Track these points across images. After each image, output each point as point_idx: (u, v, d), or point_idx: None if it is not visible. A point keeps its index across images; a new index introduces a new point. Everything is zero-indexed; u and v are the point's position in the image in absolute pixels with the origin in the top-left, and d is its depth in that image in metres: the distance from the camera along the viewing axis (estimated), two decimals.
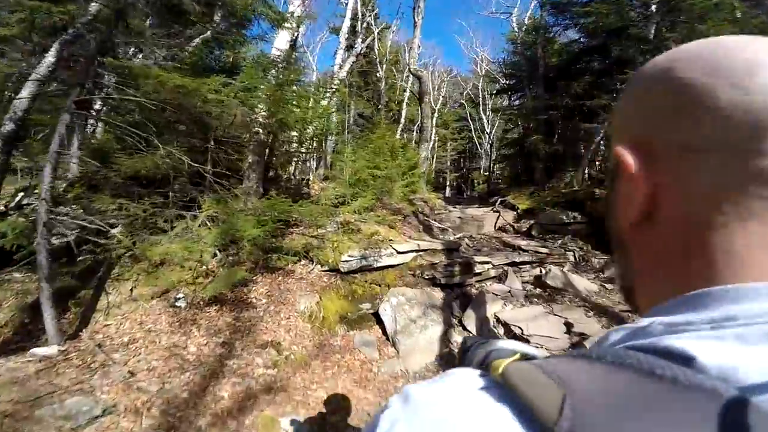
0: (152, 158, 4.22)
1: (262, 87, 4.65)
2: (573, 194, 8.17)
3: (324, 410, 3.34)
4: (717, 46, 0.26)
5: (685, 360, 0.19)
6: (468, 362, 0.46)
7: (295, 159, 7.24)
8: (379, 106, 16.97)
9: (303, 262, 5.23)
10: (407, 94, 19.38)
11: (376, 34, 17.20)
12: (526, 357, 0.38)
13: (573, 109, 10.39)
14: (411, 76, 13.74)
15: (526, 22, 15.53)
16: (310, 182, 7.57)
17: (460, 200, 15.87)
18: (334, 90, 7.82)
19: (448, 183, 29.01)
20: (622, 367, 0.20)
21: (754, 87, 0.23)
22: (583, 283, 5.86)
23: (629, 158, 0.27)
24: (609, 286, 5.88)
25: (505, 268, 6.52)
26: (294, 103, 4.83)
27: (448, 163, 29.20)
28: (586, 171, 10.15)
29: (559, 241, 7.44)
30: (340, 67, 10.10)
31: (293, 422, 3.04)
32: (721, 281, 0.23)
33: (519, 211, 9.14)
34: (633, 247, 0.29)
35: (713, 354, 0.18)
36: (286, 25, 5.70)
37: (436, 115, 22.55)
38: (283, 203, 4.56)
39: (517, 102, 14.99)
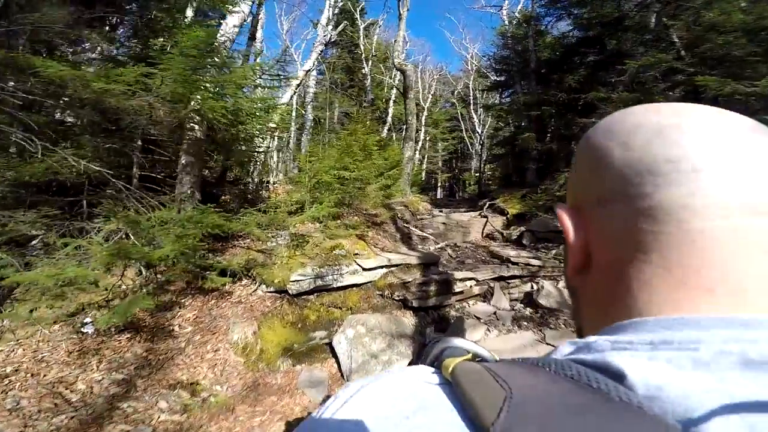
0: (42, 164, 3.34)
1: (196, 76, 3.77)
2: None
3: None
4: (621, 114, 0.31)
5: (618, 376, 0.20)
6: (425, 358, 0.45)
7: (254, 159, 6.34)
8: (364, 104, 16.11)
9: (245, 281, 4.34)
10: (394, 91, 18.56)
11: (361, 29, 16.38)
12: (477, 358, 0.38)
13: (567, 103, 9.61)
14: (396, 70, 12.86)
15: (517, 15, 14.75)
16: (271, 185, 6.67)
17: (450, 202, 15.04)
18: (298, 84, 6.93)
19: (439, 184, 28.21)
20: (562, 378, 0.21)
21: (633, 144, 0.28)
22: None
23: (565, 217, 0.31)
24: None
25: (491, 284, 5.68)
26: (215, 90, 3.94)
27: (440, 164, 28.40)
28: None
29: (553, 252, 6.61)
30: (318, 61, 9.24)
31: None
32: (645, 311, 0.25)
33: (509, 216, 8.32)
34: (579, 291, 0.32)
35: (644, 373, 0.20)
36: (231, 8, 4.83)
37: (425, 113, 21.76)
38: (213, 214, 3.68)
39: (508, 99, 14.19)
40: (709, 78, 5.50)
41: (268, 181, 6.61)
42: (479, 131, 20.18)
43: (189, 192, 4.43)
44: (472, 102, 21.26)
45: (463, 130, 23.49)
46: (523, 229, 7.35)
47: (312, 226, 5.58)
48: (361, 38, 16.01)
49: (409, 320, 4.58)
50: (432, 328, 4.55)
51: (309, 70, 9.13)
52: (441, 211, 11.15)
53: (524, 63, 12.04)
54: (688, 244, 0.24)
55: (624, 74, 7.36)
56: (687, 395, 0.18)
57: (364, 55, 16.08)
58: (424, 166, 25.92)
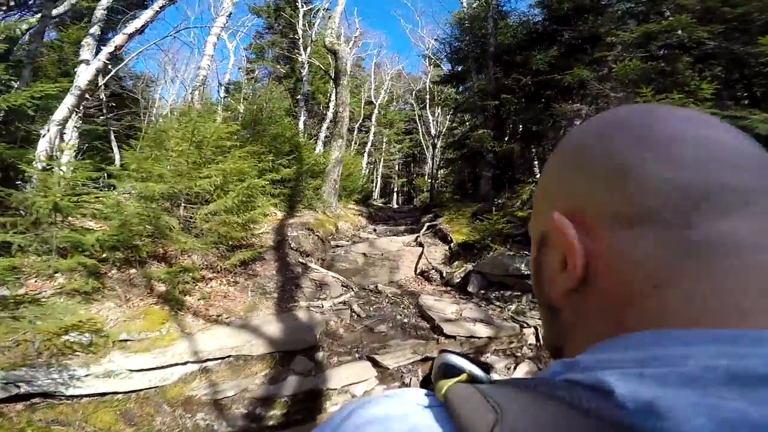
0: None
1: None
2: None
3: None
4: (643, 116, 0.28)
5: (608, 394, 0.20)
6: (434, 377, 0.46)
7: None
8: (298, 97, 13.43)
9: None
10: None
11: (302, 13, 13.69)
12: (472, 378, 0.37)
13: (535, 91, 7.47)
14: (329, 53, 10.33)
15: None
16: None
17: (395, 215, 12.63)
18: None
19: (396, 189, 25.92)
20: (553, 398, 0.21)
21: (681, 161, 0.24)
22: None
23: (570, 229, 0.27)
24: None
25: (408, 375, 3.29)
26: None
27: (397, 168, 26.16)
28: None
29: (512, 307, 4.29)
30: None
31: None
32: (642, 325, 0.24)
33: (453, 245, 5.96)
34: (565, 308, 0.29)
35: (633, 390, 0.19)
36: None
37: (376, 111, 19.39)
38: None
39: (465, 93, 12.03)
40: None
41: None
42: (434, 131, 18.03)
43: None
44: (428, 99, 19.10)
45: (420, 132, 21.42)
46: (470, 267, 4.99)
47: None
48: (300, 21, 13.31)
49: None
50: None
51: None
52: (375, 230, 8.70)
53: (482, 50, 9.91)
54: (722, 276, 0.23)
55: (614, 48, 5.24)
56: (675, 411, 0.18)
57: (302, 41, 13.37)
58: (380, 170, 23.62)
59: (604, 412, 0.19)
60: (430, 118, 19.76)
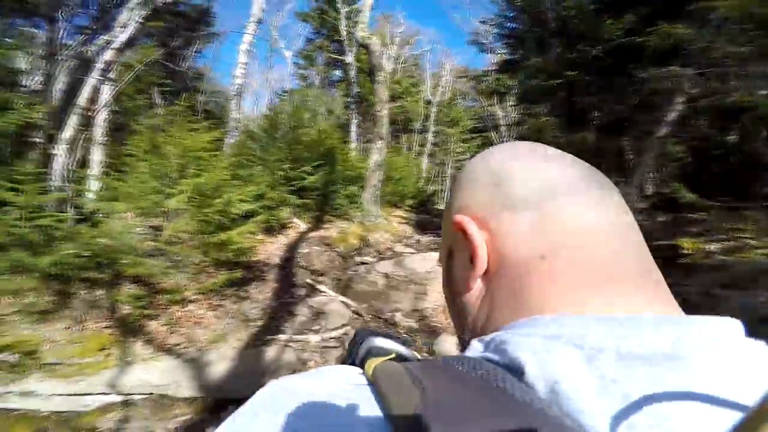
0: None
1: None
2: None
3: None
4: (508, 147, 0.35)
5: (520, 373, 0.21)
6: (353, 357, 0.46)
7: None
8: (348, 100, 13.07)
9: None
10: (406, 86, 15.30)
11: (343, 13, 13.39)
12: (400, 357, 0.39)
13: (612, 59, 5.83)
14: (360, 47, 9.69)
15: None
16: None
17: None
18: None
19: None
20: (473, 377, 0.22)
21: (535, 166, 0.32)
22: None
23: (469, 222, 0.31)
24: None
25: None
26: None
27: None
28: (648, 175, 5.61)
29: None
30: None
31: None
32: (542, 309, 0.26)
33: None
34: (477, 296, 0.32)
35: (541, 369, 0.21)
36: None
37: (434, 109, 18.24)
38: None
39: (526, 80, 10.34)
40: None
41: None
42: (503, 127, 16.23)
43: None
44: (495, 94, 17.33)
45: (490, 130, 19.63)
46: None
47: None
48: (342, 22, 13.00)
49: None
50: None
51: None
52: (418, 241, 7.71)
53: (540, 28, 8.30)
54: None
55: None
56: (576, 391, 0.19)
57: (347, 43, 13.03)
58: (449, 171, 22.29)
59: (518, 394, 0.20)
60: (499, 113, 17.98)
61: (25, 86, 6.60)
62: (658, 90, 5.53)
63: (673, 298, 0.27)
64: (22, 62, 7.72)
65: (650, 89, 5.75)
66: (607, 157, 7.22)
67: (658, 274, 0.28)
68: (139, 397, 2.43)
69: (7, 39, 6.16)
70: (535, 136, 7.16)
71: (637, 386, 0.19)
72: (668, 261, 3.83)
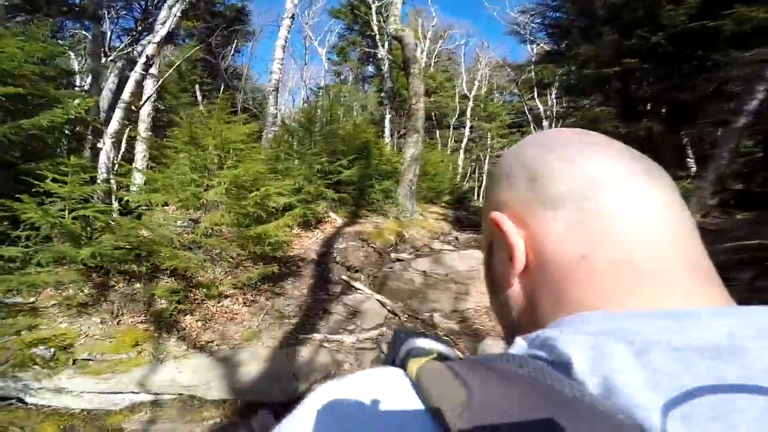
0: None
1: None
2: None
3: None
4: (541, 135, 0.34)
5: (568, 370, 0.21)
6: (393, 358, 0.43)
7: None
8: (381, 95, 12.87)
9: None
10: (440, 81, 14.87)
11: (374, 8, 13.18)
12: (441, 357, 0.36)
13: (674, 46, 5.22)
14: (394, 40, 9.42)
15: None
16: None
17: None
18: None
19: None
20: (519, 374, 0.21)
21: (572, 158, 0.30)
22: None
23: (506, 219, 0.30)
24: None
25: None
26: None
27: None
28: (725, 170, 5.02)
29: None
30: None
31: None
32: (588, 305, 0.26)
33: None
34: (519, 293, 0.31)
35: (590, 365, 0.20)
36: None
37: (471, 103, 17.62)
38: None
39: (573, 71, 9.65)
40: None
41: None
42: (545, 121, 15.39)
43: None
44: (535, 86, 16.48)
45: (531, 124, 18.73)
46: None
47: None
48: (373, 17, 12.78)
49: None
50: None
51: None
52: (457, 238, 7.38)
53: (588, 16, 7.64)
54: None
55: None
56: (628, 386, 0.19)
57: (379, 37, 12.81)
58: (486, 167, 21.52)
59: (567, 391, 0.19)
60: (540, 107, 17.09)
61: (80, 86, 6.95)
62: (735, 77, 4.88)
63: (726, 292, 0.25)
64: (75, 63, 8.18)
65: (722, 77, 5.09)
66: (669, 149, 6.54)
67: (709, 267, 0.26)
68: (169, 397, 2.34)
69: (59, 41, 6.50)
70: (589, 127, 6.61)
71: (692, 379, 0.18)
72: (758, 262, 3.30)
